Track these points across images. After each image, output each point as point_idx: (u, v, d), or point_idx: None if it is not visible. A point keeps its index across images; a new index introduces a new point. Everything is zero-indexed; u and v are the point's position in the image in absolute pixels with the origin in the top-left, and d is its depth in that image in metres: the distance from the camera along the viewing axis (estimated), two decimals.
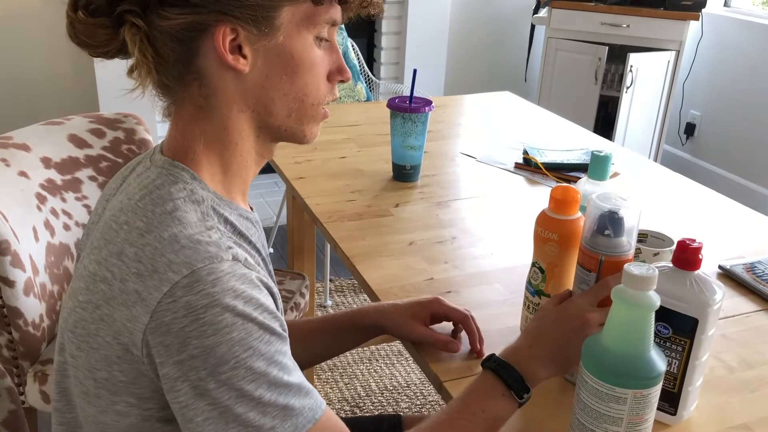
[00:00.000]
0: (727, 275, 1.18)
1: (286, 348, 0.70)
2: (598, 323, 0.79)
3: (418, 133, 1.45)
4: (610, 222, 0.81)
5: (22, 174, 1.45)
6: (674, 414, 0.84)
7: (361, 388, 2.20)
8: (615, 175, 1.59)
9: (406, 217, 1.35)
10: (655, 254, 0.90)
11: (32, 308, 1.37)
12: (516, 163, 1.62)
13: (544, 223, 0.91)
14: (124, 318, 0.67)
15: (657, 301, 0.69)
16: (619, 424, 0.71)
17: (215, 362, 0.63)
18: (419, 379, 2.25)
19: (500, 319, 1.03)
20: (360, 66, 3.04)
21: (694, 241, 0.78)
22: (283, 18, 0.72)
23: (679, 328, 0.80)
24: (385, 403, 2.14)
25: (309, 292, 1.80)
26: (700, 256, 0.78)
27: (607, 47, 3.34)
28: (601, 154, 1.00)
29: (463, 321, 0.97)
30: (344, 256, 1.21)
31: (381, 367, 2.30)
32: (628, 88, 3.33)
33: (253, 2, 0.69)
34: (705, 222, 1.40)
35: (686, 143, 3.85)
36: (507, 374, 0.78)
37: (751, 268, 1.18)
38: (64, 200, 1.52)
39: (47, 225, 1.47)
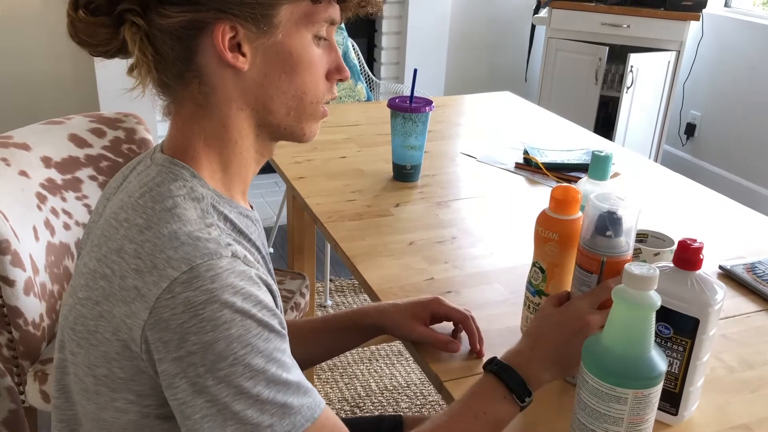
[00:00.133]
0: (728, 275, 1.18)
1: (285, 346, 0.69)
2: (599, 326, 0.79)
3: (418, 133, 1.44)
4: (610, 222, 0.81)
5: (23, 173, 1.45)
6: (675, 414, 0.84)
7: (362, 388, 2.20)
8: (615, 175, 1.59)
9: (407, 217, 1.35)
10: (656, 254, 0.90)
11: (32, 308, 1.36)
12: (516, 163, 1.62)
13: (545, 223, 0.91)
14: (123, 314, 0.67)
15: (658, 301, 0.69)
16: (619, 424, 0.71)
17: (214, 358, 0.63)
18: (419, 379, 2.25)
19: (500, 319, 1.03)
20: (360, 66, 3.04)
21: (695, 241, 0.78)
22: (281, 16, 0.72)
23: (680, 328, 0.79)
24: (385, 403, 2.14)
25: (309, 291, 1.80)
26: (701, 256, 0.78)
27: (607, 47, 3.34)
28: (602, 154, 0.99)
29: (463, 321, 0.97)
30: (344, 256, 1.21)
31: (381, 367, 2.30)
32: (628, 88, 3.33)
33: (252, 0, 0.70)
34: (705, 222, 1.40)
35: (686, 143, 3.85)
36: (509, 377, 0.78)
37: (751, 268, 1.18)
38: (64, 200, 1.52)
39: (47, 224, 1.47)
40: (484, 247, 1.25)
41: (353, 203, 1.39)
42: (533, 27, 4.00)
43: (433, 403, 2.15)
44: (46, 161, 1.51)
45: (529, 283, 0.96)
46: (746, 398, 0.90)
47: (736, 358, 0.97)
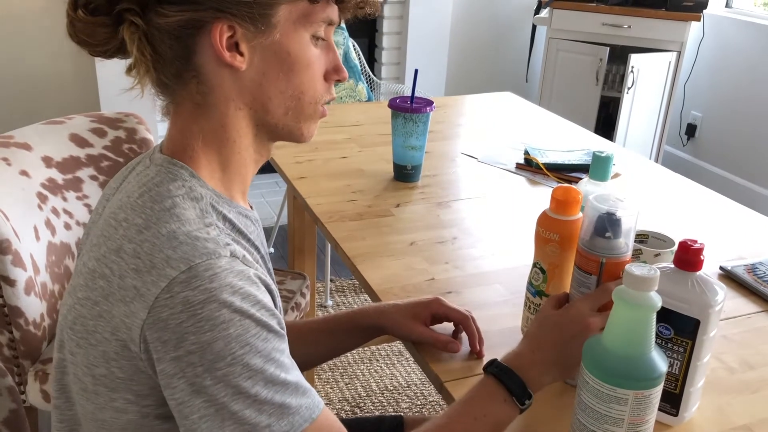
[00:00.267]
0: (728, 276, 1.18)
1: (284, 346, 0.69)
2: (599, 328, 0.79)
3: (419, 133, 1.44)
4: (609, 224, 0.81)
5: (23, 173, 1.45)
6: (676, 415, 0.84)
7: (362, 388, 2.20)
8: (616, 175, 1.59)
9: (407, 218, 1.34)
10: (657, 255, 0.90)
11: (33, 307, 1.36)
12: (517, 164, 1.62)
13: (546, 224, 0.90)
14: (122, 314, 0.67)
15: (658, 301, 0.69)
16: (620, 425, 0.71)
17: (212, 358, 0.63)
18: (420, 379, 2.25)
19: (501, 319, 1.03)
20: (361, 66, 3.04)
21: (695, 241, 0.78)
22: (279, 16, 0.72)
23: (680, 329, 0.79)
24: (385, 403, 2.14)
25: (310, 292, 1.80)
26: (701, 257, 0.78)
27: (608, 48, 3.34)
28: (603, 154, 0.99)
29: (463, 321, 0.97)
30: (345, 256, 1.21)
31: (381, 367, 2.30)
32: (629, 88, 3.32)
33: (250, 0, 0.70)
34: (706, 223, 1.40)
35: (687, 144, 3.84)
36: (509, 380, 0.78)
37: (752, 269, 1.18)
38: (65, 199, 1.52)
39: (48, 224, 1.47)
40: (485, 248, 1.25)
41: (354, 203, 1.39)
42: (534, 27, 4.00)
43: (433, 403, 2.15)
44: (47, 161, 1.51)
45: (530, 283, 0.95)
46: (747, 399, 0.90)
47: (737, 359, 0.97)
